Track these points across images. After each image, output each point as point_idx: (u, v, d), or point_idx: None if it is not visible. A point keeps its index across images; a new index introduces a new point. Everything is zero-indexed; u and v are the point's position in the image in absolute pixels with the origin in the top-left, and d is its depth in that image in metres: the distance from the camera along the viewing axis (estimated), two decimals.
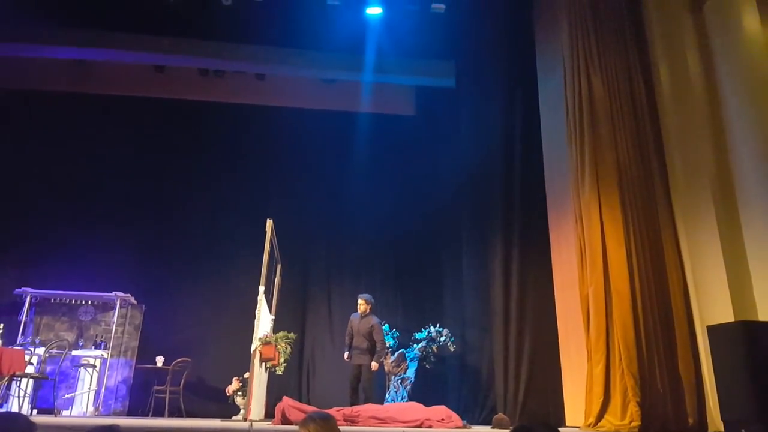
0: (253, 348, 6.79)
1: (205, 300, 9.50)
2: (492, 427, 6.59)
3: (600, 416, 6.15)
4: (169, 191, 9.99)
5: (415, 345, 8.73)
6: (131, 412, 8.83)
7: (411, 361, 8.65)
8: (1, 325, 7.77)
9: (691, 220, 6.59)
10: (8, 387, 7.48)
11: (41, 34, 9.23)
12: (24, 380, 7.59)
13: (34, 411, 7.96)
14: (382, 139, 10.32)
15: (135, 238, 9.59)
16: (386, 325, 8.78)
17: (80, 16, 9.13)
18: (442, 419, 6.25)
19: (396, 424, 6.01)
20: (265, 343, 6.88)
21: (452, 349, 8.66)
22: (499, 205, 8.60)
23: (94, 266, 9.18)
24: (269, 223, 7.06)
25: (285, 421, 5.94)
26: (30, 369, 7.68)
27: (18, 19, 8.79)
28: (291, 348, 7.38)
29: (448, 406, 6.64)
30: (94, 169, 9.79)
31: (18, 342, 8.43)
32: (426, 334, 8.71)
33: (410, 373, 8.58)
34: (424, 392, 8.39)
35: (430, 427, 6.08)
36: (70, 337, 8.86)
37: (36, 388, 8.14)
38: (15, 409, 7.57)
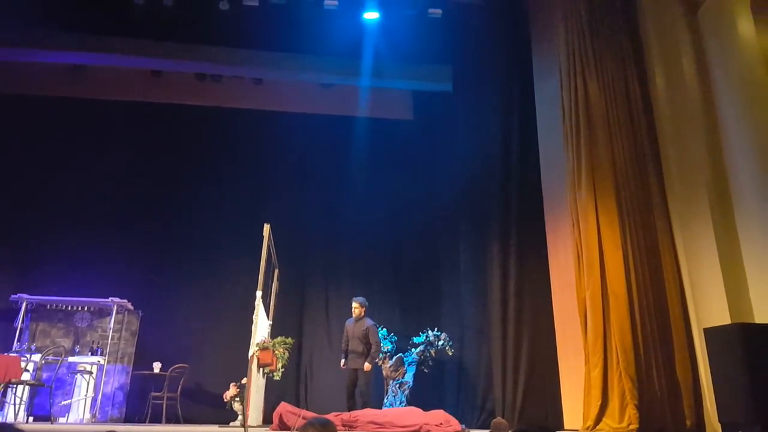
0: (250, 353, 6.77)
1: (203, 305, 9.47)
2: (490, 431, 6.57)
3: (598, 419, 6.16)
4: (166, 196, 9.97)
5: (413, 349, 8.72)
6: (128, 419, 8.78)
7: (409, 365, 8.64)
8: None
9: (687, 222, 6.62)
10: (3, 394, 7.44)
11: (38, 39, 9.23)
12: (20, 387, 7.54)
13: (30, 419, 7.92)
14: (379, 144, 10.34)
15: (131, 243, 9.55)
16: (384, 329, 8.78)
17: (77, 21, 9.14)
18: (441, 423, 6.24)
19: (394, 429, 6.00)
20: (263, 348, 6.86)
21: (450, 353, 8.65)
22: (497, 209, 8.63)
23: (90, 272, 9.15)
24: (267, 227, 7.05)
25: (283, 426, 5.94)
26: (26, 376, 7.63)
27: (14, 24, 8.79)
28: (289, 353, 7.36)
29: (446, 411, 6.64)
30: (90, 174, 9.76)
31: (14, 348, 8.39)
32: (424, 338, 8.71)
33: (408, 377, 8.58)
34: (422, 396, 8.38)
35: (428, 431, 6.07)
36: (66, 343, 8.82)
37: (32, 396, 8.09)
38: (11, 416, 7.54)
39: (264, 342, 7.02)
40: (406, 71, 10.03)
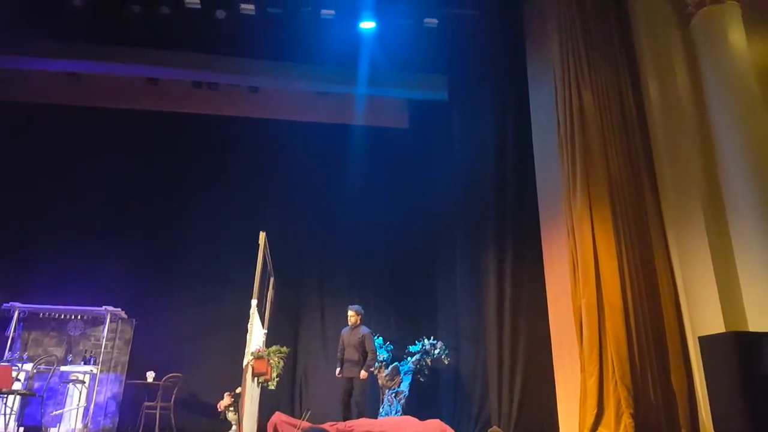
0: (245, 362, 6.73)
1: (197, 314, 9.43)
2: None
3: (594, 428, 6.15)
4: (161, 204, 9.95)
5: (409, 358, 8.70)
6: (121, 429, 8.71)
7: (405, 374, 8.62)
8: None
9: (681, 231, 6.65)
10: None
11: (34, 47, 9.21)
12: (11, 397, 7.46)
13: (21, 429, 7.84)
14: (375, 152, 10.37)
15: (125, 251, 9.52)
16: (380, 338, 8.76)
17: (73, 29, 9.11)
18: None
19: None
20: (258, 357, 6.82)
21: (446, 362, 8.65)
22: (492, 217, 8.65)
23: (83, 280, 9.09)
24: (262, 235, 7.04)
25: None
26: (17, 385, 7.55)
27: (10, 32, 8.77)
28: (284, 362, 7.32)
29: (442, 420, 6.61)
30: (85, 182, 9.73)
31: (5, 357, 8.31)
32: (420, 347, 8.70)
33: (404, 386, 8.55)
34: (418, 406, 8.36)
35: None
36: (58, 352, 8.75)
37: (23, 405, 8.01)
38: (0, 426, 7.45)
39: (259, 351, 6.98)
40: (401, 80, 10.08)
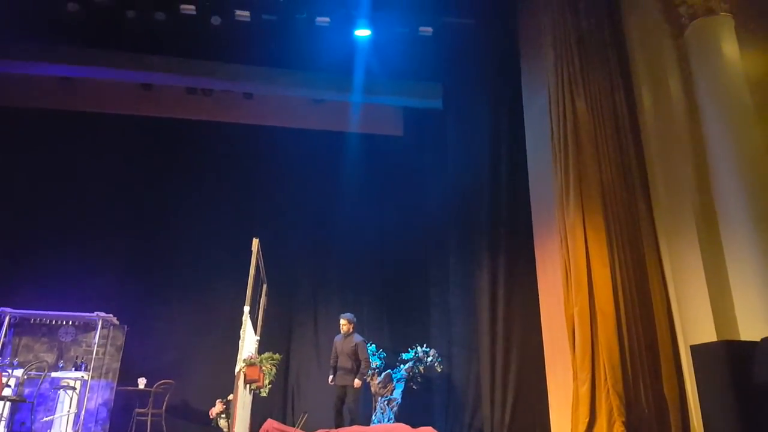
0: (237, 369, 6.70)
1: (189, 320, 9.39)
2: None
3: None
4: (154, 210, 9.93)
5: (401, 366, 8.69)
6: None
7: (398, 381, 8.60)
8: None
9: (673, 240, 6.68)
10: None
11: (27, 51, 9.19)
12: (0, 403, 7.41)
13: None
14: (370, 160, 10.39)
15: (118, 257, 9.49)
16: (373, 345, 8.74)
17: (67, 34, 9.10)
18: None
19: None
20: (250, 364, 6.78)
21: (439, 370, 8.64)
22: (486, 225, 8.67)
23: (75, 286, 9.05)
24: (255, 242, 7.02)
25: None
26: (7, 391, 7.50)
27: (3, 36, 8.75)
28: (276, 369, 7.29)
29: (434, 427, 6.62)
30: (77, 187, 9.71)
31: None
32: (413, 354, 8.69)
33: (397, 394, 8.54)
34: (410, 413, 8.34)
35: None
36: (49, 358, 8.68)
37: (13, 411, 7.95)
38: None
39: (251, 358, 6.95)
40: (396, 88, 10.11)
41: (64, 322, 9.02)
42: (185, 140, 10.34)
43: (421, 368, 8.60)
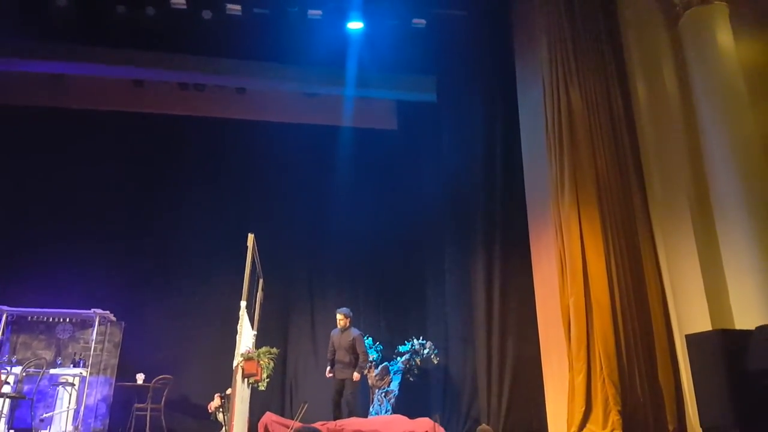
0: (235, 364, 6.72)
1: (186, 316, 9.39)
2: None
3: (582, 425, 6.21)
4: (149, 206, 9.91)
5: (398, 358, 8.73)
6: (111, 431, 8.68)
7: (395, 374, 8.64)
8: None
9: (668, 230, 6.72)
10: None
11: (17, 48, 9.11)
12: (0, 400, 7.43)
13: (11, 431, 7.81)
14: (364, 154, 10.36)
15: (113, 254, 9.47)
16: (369, 338, 8.77)
17: (58, 30, 9.03)
18: (427, 431, 6.24)
19: None
20: (248, 358, 6.81)
21: (435, 362, 8.67)
22: (481, 218, 8.68)
23: (72, 283, 9.05)
24: (251, 237, 7.02)
25: None
26: (6, 388, 7.51)
27: None
28: (274, 363, 7.31)
29: (431, 418, 6.64)
30: (71, 184, 9.67)
31: None
32: (409, 347, 8.72)
33: (394, 386, 8.58)
34: (408, 405, 8.37)
35: None
36: (47, 355, 8.70)
37: (13, 408, 7.97)
38: None
39: (249, 352, 6.98)
40: (390, 81, 10.07)
41: (62, 320, 9.03)
42: (178, 136, 10.28)
43: (417, 360, 8.64)
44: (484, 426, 6.97)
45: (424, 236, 10.08)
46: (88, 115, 10.02)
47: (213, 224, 9.89)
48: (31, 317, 8.90)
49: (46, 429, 8.13)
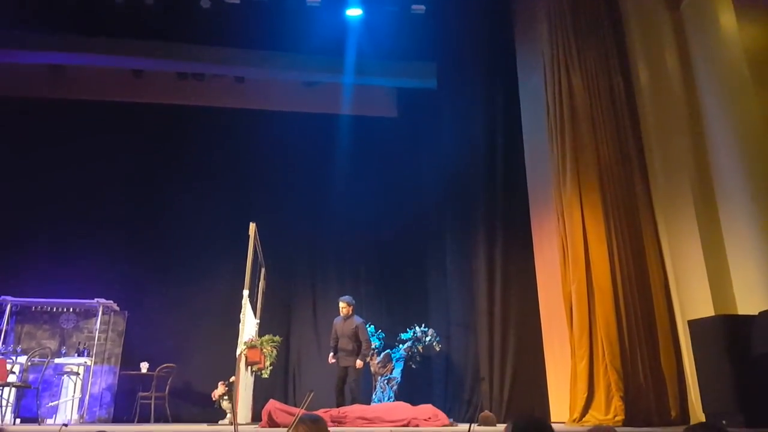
0: (238, 352, 6.76)
1: (189, 305, 9.43)
2: (478, 425, 6.62)
3: (584, 411, 6.21)
4: (150, 196, 9.92)
5: (400, 345, 8.74)
6: (116, 419, 8.76)
7: (397, 361, 8.66)
8: None
9: (671, 216, 6.67)
10: None
11: (15, 39, 9.06)
12: (6, 389, 7.48)
13: (18, 420, 7.86)
14: (364, 141, 10.34)
15: (116, 243, 9.50)
16: (371, 326, 8.79)
17: (56, 21, 9.00)
18: (429, 418, 6.26)
19: (383, 424, 6.02)
20: (251, 346, 6.85)
21: (438, 349, 8.69)
22: (482, 205, 8.65)
23: (75, 273, 9.09)
24: (252, 226, 7.03)
25: (272, 423, 5.93)
26: (12, 378, 7.57)
27: None
28: (277, 351, 7.37)
29: (434, 405, 6.66)
30: (73, 175, 9.67)
31: None
32: (411, 334, 8.73)
33: (396, 373, 8.60)
34: (410, 392, 8.41)
35: (417, 426, 6.09)
36: (52, 344, 8.76)
37: (19, 397, 8.02)
38: None
39: (252, 340, 7.01)
40: (389, 68, 10.00)
41: (65, 309, 9.09)
42: (178, 126, 10.27)
43: (419, 347, 8.65)
44: (486, 413, 6.98)
45: (425, 223, 10.08)
46: (86, 105, 10.00)
47: (214, 213, 9.90)
48: (35, 307, 8.96)
49: (51, 418, 8.20)
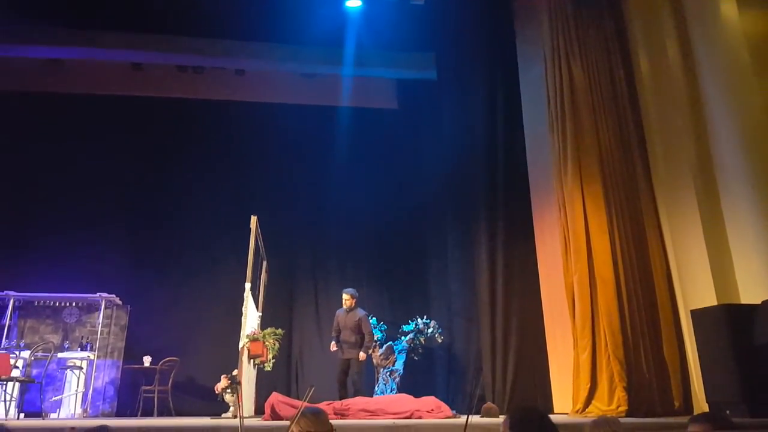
0: (241, 345, 6.77)
1: (191, 298, 9.45)
2: (481, 416, 6.63)
3: (587, 402, 6.21)
4: (151, 190, 9.91)
5: (402, 337, 8.75)
6: (120, 413, 8.78)
7: (399, 353, 8.68)
8: None
9: (673, 206, 6.65)
10: None
11: (13, 33, 9.05)
12: (10, 384, 7.50)
13: (21, 415, 7.89)
14: (365, 133, 10.32)
15: (118, 238, 9.51)
16: (374, 318, 8.80)
17: (55, 14, 8.96)
18: (432, 410, 6.27)
19: (386, 416, 6.03)
20: (253, 339, 6.86)
21: (440, 341, 8.70)
22: (483, 196, 8.62)
23: (77, 268, 9.08)
24: (254, 219, 7.03)
25: (275, 416, 5.94)
26: (15, 372, 7.58)
27: None
28: (279, 344, 7.38)
29: (437, 397, 6.67)
30: (74, 169, 9.67)
31: (2, 346, 8.33)
32: (413, 326, 8.74)
33: (399, 365, 8.62)
34: (412, 384, 8.42)
35: (420, 417, 6.10)
36: (55, 339, 8.77)
37: (22, 392, 8.06)
38: (1, 413, 7.50)
39: (254, 333, 7.02)
40: (389, 59, 9.98)
41: (68, 304, 9.10)
42: (178, 119, 10.25)
43: (421, 339, 8.67)
44: (488, 404, 6.98)
45: (426, 215, 10.07)
46: (86, 99, 9.99)
47: (215, 207, 9.90)
48: (38, 302, 8.98)
49: (55, 412, 8.22)
